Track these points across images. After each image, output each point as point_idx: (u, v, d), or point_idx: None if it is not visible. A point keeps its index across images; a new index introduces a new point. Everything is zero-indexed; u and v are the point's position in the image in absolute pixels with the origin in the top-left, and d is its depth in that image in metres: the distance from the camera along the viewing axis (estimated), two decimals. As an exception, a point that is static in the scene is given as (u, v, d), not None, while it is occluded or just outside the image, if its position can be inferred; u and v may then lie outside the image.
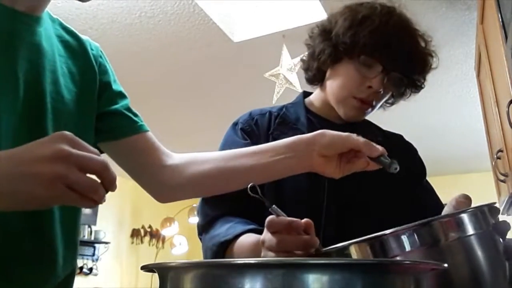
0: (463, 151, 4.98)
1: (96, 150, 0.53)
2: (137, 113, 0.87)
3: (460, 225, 0.53)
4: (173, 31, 2.78)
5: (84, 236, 5.46)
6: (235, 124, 1.00)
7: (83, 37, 0.83)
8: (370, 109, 0.95)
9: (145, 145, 0.85)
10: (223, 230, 0.81)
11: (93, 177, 0.52)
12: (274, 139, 0.92)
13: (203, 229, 0.88)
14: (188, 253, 5.99)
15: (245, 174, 0.80)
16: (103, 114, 0.82)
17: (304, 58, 1.03)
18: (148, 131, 0.86)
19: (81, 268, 5.36)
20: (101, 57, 0.85)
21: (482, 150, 2.85)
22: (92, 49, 0.83)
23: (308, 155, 0.75)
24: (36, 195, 0.49)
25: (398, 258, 0.51)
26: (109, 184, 0.52)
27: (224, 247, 0.78)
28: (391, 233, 0.52)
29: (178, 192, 0.86)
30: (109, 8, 2.56)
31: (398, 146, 1.04)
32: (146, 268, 0.41)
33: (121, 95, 0.87)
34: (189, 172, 0.83)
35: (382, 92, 0.92)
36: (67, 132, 0.52)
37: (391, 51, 0.88)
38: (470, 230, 0.53)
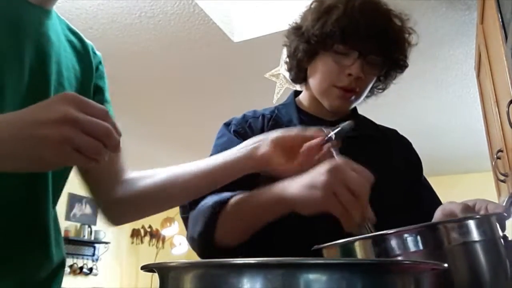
0: (463, 151, 4.98)
1: (102, 108, 0.53)
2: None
3: (465, 230, 0.53)
4: (173, 31, 2.78)
5: (84, 236, 5.45)
6: (227, 124, 0.98)
7: (88, 41, 0.85)
8: (354, 97, 0.94)
9: (112, 160, 0.83)
10: (215, 197, 0.80)
11: None
12: None
13: (191, 206, 0.85)
14: (188, 253, 5.99)
15: (194, 177, 0.77)
16: None
17: (287, 59, 1.03)
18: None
19: (81, 268, 5.36)
20: (100, 63, 0.87)
21: (482, 150, 2.85)
22: (94, 54, 0.85)
23: (259, 146, 0.74)
24: (43, 157, 0.50)
25: (400, 258, 0.52)
26: (113, 148, 0.53)
27: (221, 206, 0.78)
28: (395, 232, 0.52)
29: (131, 208, 0.84)
30: (109, 8, 2.56)
31: (394, 140, 1.05)
32: (146, 268, 0.41)
33: (109, 106, 0.87)
34: (140, 184, 0.82)
35: (364, 77, 0.90)
36: (71, 93, 0.52)
37: (362, 35, 0.87)
38: (475, 236, 0.53)
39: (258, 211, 0.76)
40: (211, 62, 3.14)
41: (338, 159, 0.70)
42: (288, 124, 0.96)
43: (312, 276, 0.34)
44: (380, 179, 0.90)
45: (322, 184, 0.65)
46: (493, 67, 1.79)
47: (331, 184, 0.64)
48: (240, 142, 0.91)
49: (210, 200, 0.80)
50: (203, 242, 0.79)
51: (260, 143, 0.74)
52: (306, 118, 0.99)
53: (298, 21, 0.98)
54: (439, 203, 0.96)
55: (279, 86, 2.73)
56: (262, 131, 0.95)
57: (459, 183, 5.43)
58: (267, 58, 2.88)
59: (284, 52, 2.74)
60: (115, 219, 0.86)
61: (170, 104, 3.87)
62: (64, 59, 0.76)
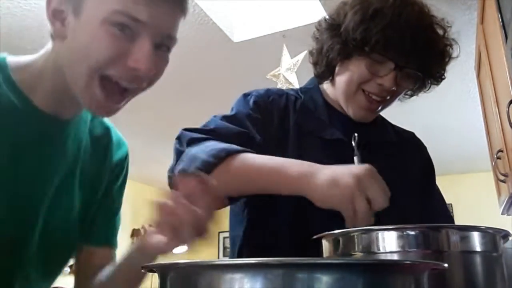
0: (463, 151, 4.97)
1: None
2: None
3: (467, 240, 0.53)
4: (173, 31, 2.77)
5: (84, 236, 5.45)
6: (246, 95, 0.96)
7: (115, 136, 0.87)
8: (380, 107, 0.90)
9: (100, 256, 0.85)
10: (224, 146, 0.78)
11: None
12: (298, 125, 0.91)
13: (189, 143, 0.82)
14: (188, 253, 5.98)
15: (121, 269, 0.80)
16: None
17: (313, 51, 0.96)
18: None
19: (81, 268, 5.37)
20: (125, 160, 0.89)
21: (482, 150, 2.85)
22: (119, 152, 0.87)
23: (146, 234, 0.73)
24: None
25: (396, 255, 0.52)
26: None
27: (228, 155, 0.76)
28: (395, 228, 0.53)
29: None
30: (109, 8, 2.56)
31: (410, 144, 1.03)
32: (146, 268, 0.41)
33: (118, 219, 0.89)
34: (98, 280, 0.83)
35: (396, 89, 0.86)
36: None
37: (405, 48, 0.82)
38: (476, 247, 0.53)
39: (265, 178, 0.75)
40: (211, 62, 3.14)
41: (367, 166, 0.68)
42: (314, 110, 0.93)
43: (312, 276, 0.33)
44: (394, 184, 0.89)
45: (345, 186, 0.65)
46: (493, 67, 1.79)
47: (353, 190, 0.64)
48: (256, 116, 0.89)
49: (220, 145, 0.78)
50: None
51: (148, 231, 0.72)
52: (332, 111, 0.95)
53: (334, 16, 0.91)
54: (447, 214, 0.96)
55: (279, 86, 2.73)
56: (285, 110, 0.92)
57: (459, 183, 5.43)
58: (267, 58, 2.88)
59: (284, 52, 2.71)
60: None
61: (169, 104, 3.86)
62: (79, 166, 0.79)
